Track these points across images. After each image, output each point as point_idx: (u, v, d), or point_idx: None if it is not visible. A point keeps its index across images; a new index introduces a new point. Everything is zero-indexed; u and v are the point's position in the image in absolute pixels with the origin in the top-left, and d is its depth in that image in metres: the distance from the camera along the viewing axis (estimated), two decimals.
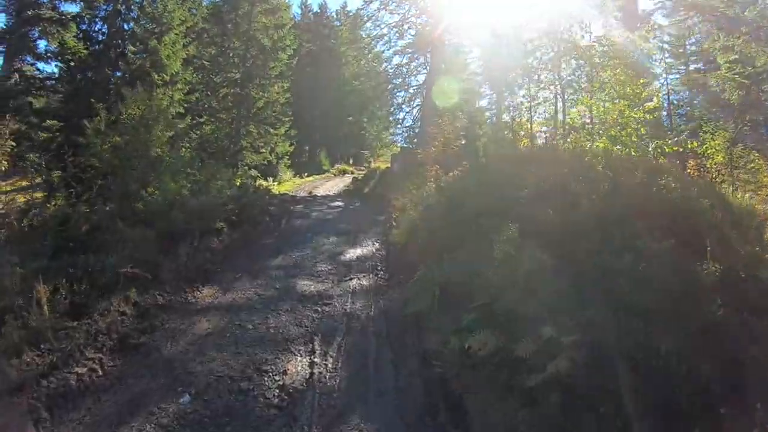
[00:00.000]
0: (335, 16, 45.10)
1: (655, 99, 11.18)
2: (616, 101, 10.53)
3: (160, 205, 9.20)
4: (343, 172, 35.24)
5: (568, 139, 11.72)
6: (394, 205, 15.08)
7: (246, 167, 21.74)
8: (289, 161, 29.64)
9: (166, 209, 9.15)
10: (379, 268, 9.79)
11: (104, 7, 20.48)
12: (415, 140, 28.01)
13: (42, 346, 5.89)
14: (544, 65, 12.15)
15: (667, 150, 9.89)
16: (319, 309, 7.51)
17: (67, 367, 5.71)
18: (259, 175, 22.23)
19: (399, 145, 35.51)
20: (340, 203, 18.25)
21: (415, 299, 6.66)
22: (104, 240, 8.36)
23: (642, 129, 10.15)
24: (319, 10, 43.32)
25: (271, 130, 20.98)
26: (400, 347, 6.24)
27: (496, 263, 5.69)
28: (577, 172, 7.61)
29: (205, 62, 20.78)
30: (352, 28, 38.57)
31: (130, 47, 20.03)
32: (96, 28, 20.77)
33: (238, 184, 14.08)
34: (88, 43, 20.29)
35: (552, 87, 12.45)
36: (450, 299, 6.04)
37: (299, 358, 6.04)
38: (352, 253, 10.80)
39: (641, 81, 10.49)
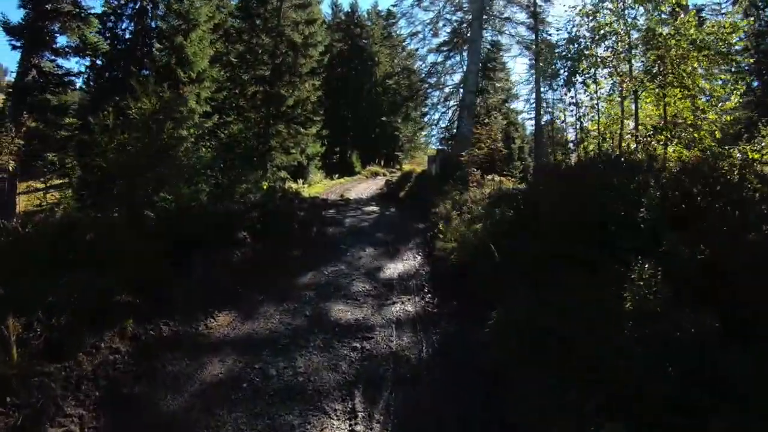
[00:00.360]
0: (366, 16, 43.62)
1: (733, 97, 9.30)
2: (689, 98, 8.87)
3: (173, 212, 7.80)
4: (375, 174, 33.78)
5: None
6: (436, 212, 13.53)
7: (275, 168, 20.45)
8: (320, 162, 28.34)
9: (179, 217, 7.73)
10: (425, 289, 8.21)
11: (131, 5, 19.59)
12: (450, 142, 26.35)
13: (7, 400, 4.51)
14: (615, 56, 10.34)
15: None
16: (358, 346, 5.97)
17: (37, 430, 4.33)
18: (288, 176, 20.93)
19: (434, 147, 33.97)
20: (374, 208, 16.72)
21: (500, 347, 5.01)
22: (108, 252, 6.98)
23: (717, 133, 8.44)
24: (350, 10, 41.92)
25: (302, 130, 19.65)
26: (468, 410, 4.64)
27: (628, 321, 3.94)
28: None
29: (232, 59, 19.55)
30: (385, 26, 37.18)
31: (156, 44, 19.04)
32: (122, 27, 19.89)
33: (265, 187, 12.63)
34: (115, 42, 19.39)
35: (621, 83, 10.64)
36: (547, 349, 4.39)
37: (335, 424, 4.51)
38: (393, 269, 9.25)
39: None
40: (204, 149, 11.21)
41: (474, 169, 20.24)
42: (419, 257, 10.24)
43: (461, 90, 26.09)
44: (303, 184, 21.99)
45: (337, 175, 29.96)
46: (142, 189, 7.77)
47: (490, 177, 21.59)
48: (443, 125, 26.61)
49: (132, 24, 19.87)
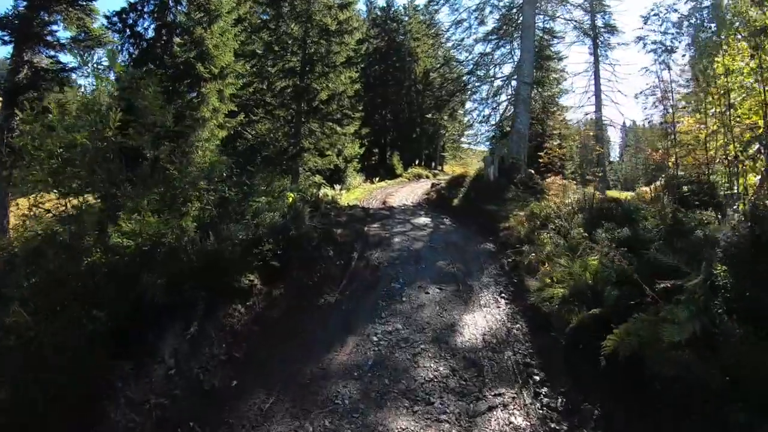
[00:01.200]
0: (402, 11, 40.28)
1: None
2: None
3: (131, 256, 4.74)
4: (419, 177, 30.50)
5: None
6: (507, 229, 10.26)
7: (308, 173, 17.44)
8: (359, 165, 25.28)
9: (140, 264, 4.67)
10: (533, 373, 4.95)
11: (152, 1, 17.03)
12: (503, 140, 22.81)
13: None
14: None
15: None
16: None
17: None
18: (323, 181, 17.91)
19: (483, 147, 30.31)
20: (425, 220, 13.48)
21: None
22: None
23: None
24: (386, 4, 38.70)
25: (338, 129, 16.61)
26: None
27: None
28: None
29: (258, 50, 16.64)
30: (426, 15, 33.83)
31: (177, 40, 16.38)
32: (144, 25, 17.41)
33: (290, 199, 9.55)
34: (138, 40, 16.99)
35: None
36: None
37: None
38: (473, 328, 5.97)
39: None
40: (210, 153, 8.16)
41: (557, 176, 16.89)
42: (503, 302, 6.96)
43: (513, 82, 22.58)
44: (340, 189, 19.05)
45: (377, 178, 26.88)
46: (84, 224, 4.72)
47: (549, 179, 18.07)
48: (494, 121, 23.09)
49: (153, 21, 17.44)
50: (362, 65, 19.11)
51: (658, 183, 11.17)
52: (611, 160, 70.49)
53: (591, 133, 16.39)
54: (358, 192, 22.59)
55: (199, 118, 17.95)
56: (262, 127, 17.21)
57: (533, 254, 7.91)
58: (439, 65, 22.35)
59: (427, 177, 31.67)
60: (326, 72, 16.17)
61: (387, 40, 37.67)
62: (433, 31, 23.72)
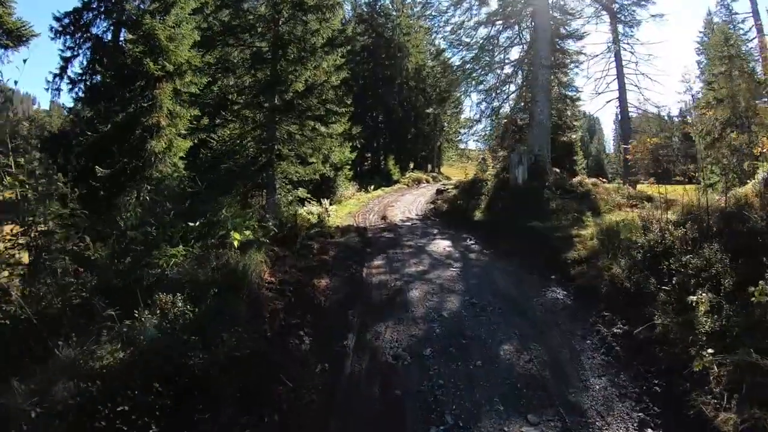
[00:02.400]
0: (390, 5, 36.17)
1: None
2: None
3: None
4: (418, 182, 26.50)
5: None
6: (583, 263, 6.36)
7: (288, 186, 13.43)
8: (351, 172, 21.22)
9: None
10: None
11: None
12: (517, 135, 18.85)
13: None
14: None
15: None
16: None
17: None
18: (307, 195, 13.89)
19: (482, 145, 26.24)
20: (445, 245, 9.53)
21: None
22: None
23: None
24: None
25: (322, 129, 12.58)
26: None
27: None
28: None
29: (216, 36, 12.60)
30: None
31: (128, 36, 12.73)
32: (102, 25, 13.94)
33: (237, 240, 5.53)
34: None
35: None
36: None
37: None
38: None
39: None
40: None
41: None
42: None
43: (524, 68, 18.64)
44: (329, 204, 15.08)
45: (372, 186, 22.84)
46: None
47: (577, 180, 14.10)
48: (504, 114, 19.12)
49: (109, 20, 13.89)
50: (348, 48, 14.99)
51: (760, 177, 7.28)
52: (607, 152, 66.93)
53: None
54: (351, 204, 18.57)
55: (150, 125, 13.98)
56: (229, 132, 13.20)
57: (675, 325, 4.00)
58: (437, 52, 18.35)
59: (428, 181, 27.69)
60: (303, 57, 12.16)
61: (375, 37, 33.63)
62: (429, 12, 19.66)
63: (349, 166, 20.80)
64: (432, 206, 16.31)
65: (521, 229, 9.31)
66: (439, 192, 18.55)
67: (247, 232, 6.15)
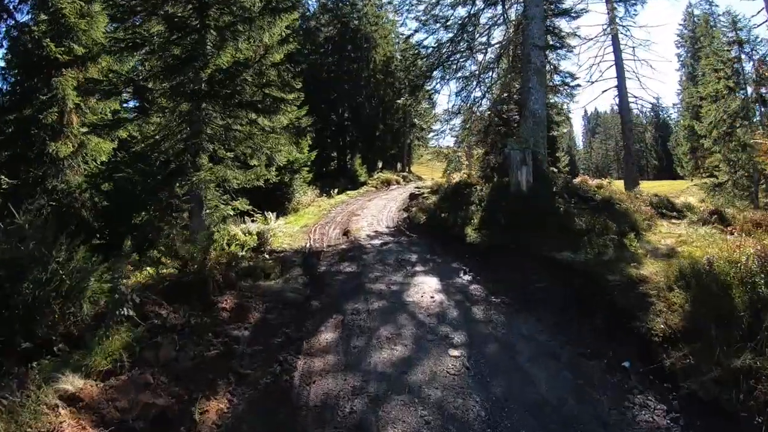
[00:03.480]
0: None
1: None
2: None
3: None
4: (388, 184, 23.21)
5: None
6: (683, 345, 3.00)
7: (225, 197, 10.00)
8: (310, 175, 17.78)
9: None
10: None
11: None
12: (503, 129, 15.77)
13: None
14: None
15: None
16: None
17: None
18: (248, 207, 10.46)
19: (451, 143, 23.00)
20: (433, 287, 6.24)
21: None
22: None
23: None
24: None
25: (262, 121, 9.21)
26: None
27: None
28: None
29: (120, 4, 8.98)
30: None
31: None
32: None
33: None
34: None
35: None
36: None
37: None
38: None
39: None
40: None
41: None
42: None
43: (509, 52, 15.55)
44: (276, 218, 11.74)
45: (336, 190, 19.43)
46: None
47: (594, 183, 11.17)
48: (484, 108, 15.97)
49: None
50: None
51: None
52: (578, 148, 65.00)
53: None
54: (309, 214, 15.18)
55: (49, 124, 10.52)
56: (151, 128, 9.72)
57: None
58: (410, 34, 15.09)
59: (398, 183, 24.44)
60: (233, 24, 8.76)
61: (340, 27, 30.15)
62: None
63: (307, 168, 17.37)
64: (405, 215, 13.06)
65: (543, 262, 6.17)
66: (412, 197, 15.32)
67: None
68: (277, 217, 14.26)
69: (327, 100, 27.91)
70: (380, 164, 31.87)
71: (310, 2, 32.09)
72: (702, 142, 19.08)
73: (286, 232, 11.41)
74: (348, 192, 19.78)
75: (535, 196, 8.73)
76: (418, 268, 7.34)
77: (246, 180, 10.83)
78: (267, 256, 8.43)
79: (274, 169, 10.89)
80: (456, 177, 21.68)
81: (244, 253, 8.39)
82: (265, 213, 11.44)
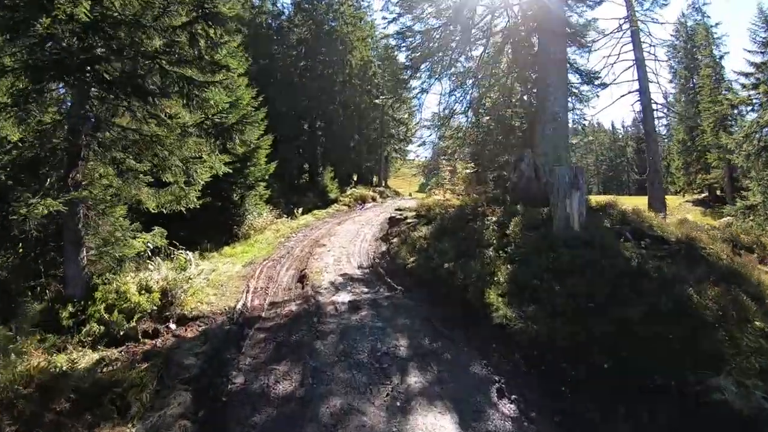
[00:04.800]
0: None
1: None
2: None
3: None
4: (362, 201, 19.63)
5: None
6: None
7: (134, 226, 6.41)
8: (268, 191, 14.14)
9: None
10: None
11: None
12: (501, 137, 12.45)
13: None
14: None
15: None
16: None
17: None
18: (165, 242, 6.87)
19: (426, 156, 19.50)
20: None
21: None
22: None
23: None
24: None
25: (172, 118, 5.71)
26: None
27: None
28: None
29: None
30: None
31: None
32: None
33: None
34: None
35: None
36: None
37: None
38: None
39: None
40: None
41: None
42: None
43: (512, 43, 12.27)
44: (218, 248, 8.13)
45: (300, 210, 15.78)
46: None
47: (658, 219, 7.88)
48: (486, 108, 12.58)
49: None
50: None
51: None
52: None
53: None
54: (261, 243, 11.49)
55: None
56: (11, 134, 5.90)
57: None
58: (393, 17, 11.68)
59: (374, 200, 20.89)
60: None
61: (314, 29, 26.67)
62: None
63: (265, 183, 13.72)
64: (384, 247, 9.61)
65: (684, 408, 2.69)
66: (392, 221, 11.84)
67: None
68: (217, 249, 10.59)
69: (298, 107, 24.34)
70: (355, 177, 28.38)
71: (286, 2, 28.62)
72: (730, 158, 16.17)
73: (216, 279, 7.76)
74: (315, 212, 16.13)
75: (591, 239, 5.32)
76: (414, 381, 3.86)
77: (164, 203, 7.26)
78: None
79: (197, 188, 7.29)
80: (439, 195, 18.31)
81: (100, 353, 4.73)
82: (186, 253, 7.78)
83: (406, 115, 28.10)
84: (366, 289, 7.05)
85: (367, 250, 10.08)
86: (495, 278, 5.28)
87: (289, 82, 24.59)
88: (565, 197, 5.63)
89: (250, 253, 10.52)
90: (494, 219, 6.87)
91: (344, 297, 6.65)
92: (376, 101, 19.48)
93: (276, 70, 24.60)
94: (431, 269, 6.56)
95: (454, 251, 6.41)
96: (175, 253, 8.05)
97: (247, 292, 7.25)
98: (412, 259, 7.52)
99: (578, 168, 5.75)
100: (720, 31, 27.38)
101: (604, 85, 12.00)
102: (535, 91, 10.83)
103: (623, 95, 13.79)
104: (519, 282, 4.91)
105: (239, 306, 6.53)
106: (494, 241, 6.18)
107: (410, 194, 29.85)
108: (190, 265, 7.33)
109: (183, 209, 7.24)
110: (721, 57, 25.56)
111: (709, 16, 28.50)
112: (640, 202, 11.89)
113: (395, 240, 9.87)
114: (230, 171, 8.72)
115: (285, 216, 14.97)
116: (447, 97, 12.30)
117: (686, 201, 28.24)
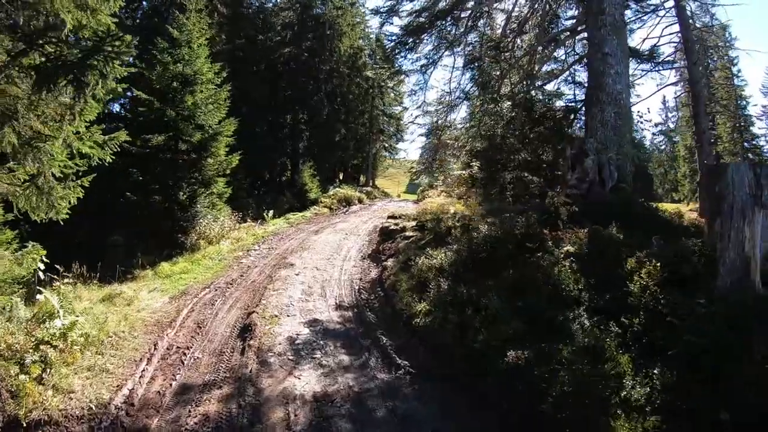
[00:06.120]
0: None
1: None
2: None
3: None
4: (347, 203, 16.57)
5: None
6: None
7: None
8: (228, 189, 11.05)
9: None
10: None
11: None
12: (524, 129, 9.53)
13: None
14: None
15: None
16: None
17: None
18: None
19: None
20: None
21: None
22: None
23: None
24: None
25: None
26: None
27: None
28: None
29: None
30: None
31: None
32: None
33: None
34: None
35: None
36: None
37: None
38: None
39: None
40: None
41: None
42: None
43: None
44: (145, 268, 5.21)
45: (271, 212, 12.69)
46: None
47: None
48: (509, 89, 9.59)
49: None
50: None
51: None
52: None
53: None
54: (210, 259, 8.41)
55: None
56: None
57: None
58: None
59: (360, 201, 17.85)
60: None
61: (300, 12, 23.47)
62: None
63: (225, 179, 10.67)
64: (376, 274, 6.69)
65: None
66: (386, 235, 8.89)
67: None
68: (153, 266, 7.52)
69: (281, 98, 21.23)
70: (342, 176, 25.34)
71: None
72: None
73: (114, 328, 4.73)
74: (290, 215, 13.04)
75: None
76: None
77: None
78: None
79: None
80: (434, 197, 15.36)
81: None
82: (54, 291, 4.72)
83: (399, 109, 25.14)
84: (347, 359, 4.13)
85: (351, 274, 7.11)
86: (624, 395, 2.35)
87: (271, 70, 21.43)
88: (744, 222, 2.73)
89: (190, 274, 7.47)
90: (569, 249, 3.95)
91: (308, 381, 3.72)
92: (368, 73, 16.46)
93: (258, 58, 21.40)
94: (466, 342, 3.61)
95: (511, 312, 3.46)
96: (54, 285, 5.00)
97: (150, 359, 4.25)
98: (421, 308, 4.58)
99: (764, 167, 2.86)
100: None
101: (656, 64, 9.18)
102: (585, 63, 7.93)
103: (671, 83, 11.00)
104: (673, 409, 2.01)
105: (118, 400, 3.53)
106: (584, 295, 3.27)
107: (399, 195, 26.90)
108: (59, 314, 4.24)
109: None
110: (735, 59, 23.24)
111: (717, 19, 26.01)
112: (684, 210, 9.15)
113: (390, 262, 6.93)
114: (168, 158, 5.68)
115: (252, 220, 11.90)
116: (458, 70, 9.31)
117: (690, 209, 25.90)
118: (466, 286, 4.30)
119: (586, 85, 7.75)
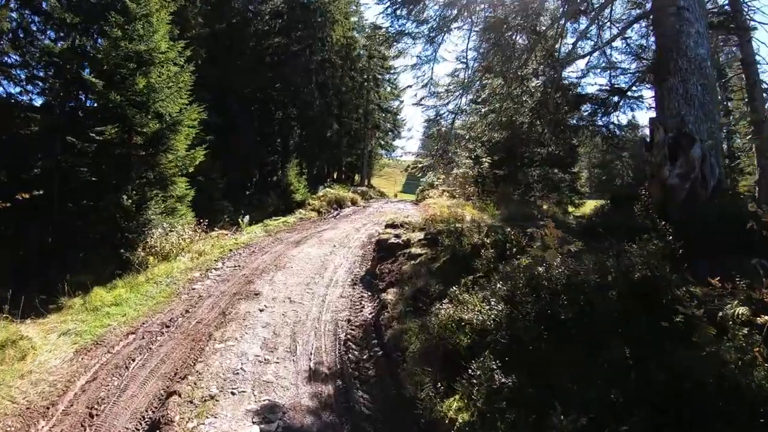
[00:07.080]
0: None
1: None
2: None
3: None
4: (338, 206, 14.48)
5: None
6: None
7: None
8: (191, 191, 8.94)
9: None
10: None
11: None
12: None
13: None
14: None
15: None
16: None
17: None
18: None
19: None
20: None
21: None
22: None
23: None
24: None
25: None
26: None
27: None
28: None
29: None
30: None
31: None
32: None
33: None
34: None
35: None
36: None
37: None
38: None
39: None
40: None
41: None
42: None
43: None
44: (76, 294, 3.32)
45: (247, 218, 10.58)
46: None
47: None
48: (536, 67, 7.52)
49: None
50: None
51: None
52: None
53: None
54: (156, 284, 6.36)
55: None
56: None
57: None
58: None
59: (354, 203, 15.72)
60: None
61: (290, 2, 21.27)
62: None
63: (186, 179, 8.58)
64: (371, 312, 4.67)
65: None
66: (384, 250, 6.84)
67: None
68: (86, 291, 5.47)
69: (270, 90, 19.15)
70: (336, 174, 23.24)
71: None
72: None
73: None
74: (269, 221, 10.91)
75: None
76: None
77: None
78: None
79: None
80: (436, 198, 13.40)
81: None
82: None
83: (396, 103, 23.07)
84: None
85: (336, 311, 5.07)
86: None
87: (259, 61, 19.26)
88: None
89: (122, 306, 5.41)
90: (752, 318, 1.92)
91: None
92: (361, 40, 14.29)
93: (243, 48, 19.24)
94: None
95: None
96: None
97: None
98: (453, 408, 2.52)
99: None
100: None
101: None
102: (649, 22, 5.84)
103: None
104: None
105: None
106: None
107: (396, 195, 24.84)
108: None
109: None
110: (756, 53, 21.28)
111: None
112: None
113: (391, 295, 4.89)
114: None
115: (227, 228, 9.81)
116: (478, 41, 7.20)
117: None
118: (535, 372, 2.26)
119: (653, 49, 5.70)
